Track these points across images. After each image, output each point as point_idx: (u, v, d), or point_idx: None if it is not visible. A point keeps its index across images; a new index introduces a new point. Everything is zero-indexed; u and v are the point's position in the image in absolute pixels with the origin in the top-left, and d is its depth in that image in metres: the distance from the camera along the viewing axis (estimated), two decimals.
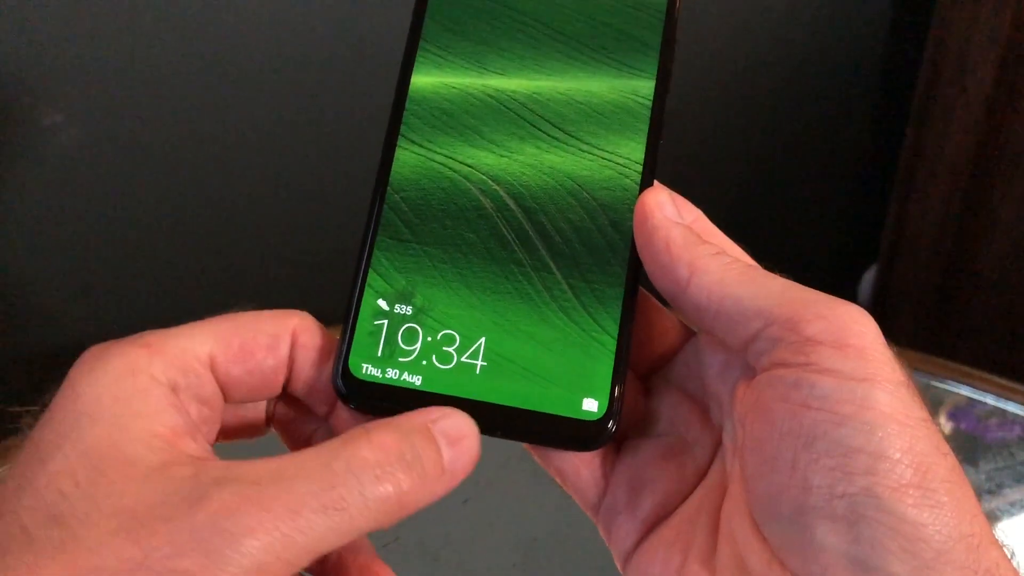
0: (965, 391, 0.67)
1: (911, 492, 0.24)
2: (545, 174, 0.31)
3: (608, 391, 0.29)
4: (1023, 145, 0.99)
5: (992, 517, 0.58)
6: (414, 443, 0.26)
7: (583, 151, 0.31)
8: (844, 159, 1.19)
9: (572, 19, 0.32)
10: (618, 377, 0.29)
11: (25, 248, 0.77)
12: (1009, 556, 0.25)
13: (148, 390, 0.26)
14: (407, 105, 0.31)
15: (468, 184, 0.31)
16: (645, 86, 0.32)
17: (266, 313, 0.29)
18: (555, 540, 0.53)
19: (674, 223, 0.29)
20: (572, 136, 0.31)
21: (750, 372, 0.28)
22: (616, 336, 0.29)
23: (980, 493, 0.59)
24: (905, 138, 1.09)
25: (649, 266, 0.29)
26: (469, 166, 0.31)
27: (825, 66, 1.09)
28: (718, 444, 0.29)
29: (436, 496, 0.26)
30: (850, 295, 1.26)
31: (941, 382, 0.67)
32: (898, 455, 0.24)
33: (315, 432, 0.31)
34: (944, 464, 0.24)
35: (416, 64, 0.32)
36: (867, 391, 0.25)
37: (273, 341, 0.28)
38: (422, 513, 0.26)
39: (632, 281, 0.30)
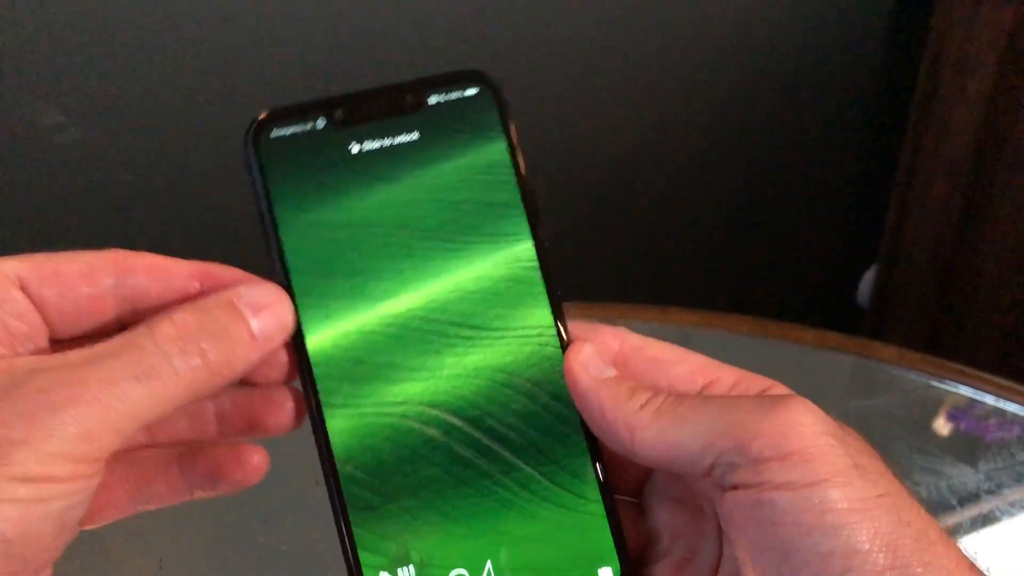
0: (965, 391, 0.66)
1: (888, 574, 0.25)
2: (473, 377, 0.30)
3: (615, 552, 0.30)
4: (1023, 145, 0.99)
5: (992, 518, 0.58)
6: (217, 316, 0.28)
7: (497, 339, 0.30)
8: (844, 159, 1.19)
9: (429, 210, 0.31)
10: (617, 534, 0.30)
11: (24, 248, 0.77)
12: None
13: None
14: (315, 371, 0.30)
15: (408, 423, 0.30)
16: (525, 248, 0.31)
17: (87, 251, 0.30)
18: None
19: (601, 382, 0.30)
20: (481, 328, 0.30)
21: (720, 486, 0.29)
22: (601, 500, 0.30)
23: (980, 493, 0.59)
24: (905, 138, 1.09)
25: (593, 430, 0.30)
26: (401, 404, 0.30)
27: (825, 66, 1.09)
28: (720, 535, 0.30)
29: (252, 360, 0.28)
30: (850, 295, 1.25)
31: (941, 382, 0.67)
32: (867, 545, 0.25)
33: None
34: (908, 534, 0.26)
35: (304, 326, 0.30)
36: (821, 494, 0.26)
37: (89, 269, 0.29)
38: None
39: (592, 441, 0.30)
